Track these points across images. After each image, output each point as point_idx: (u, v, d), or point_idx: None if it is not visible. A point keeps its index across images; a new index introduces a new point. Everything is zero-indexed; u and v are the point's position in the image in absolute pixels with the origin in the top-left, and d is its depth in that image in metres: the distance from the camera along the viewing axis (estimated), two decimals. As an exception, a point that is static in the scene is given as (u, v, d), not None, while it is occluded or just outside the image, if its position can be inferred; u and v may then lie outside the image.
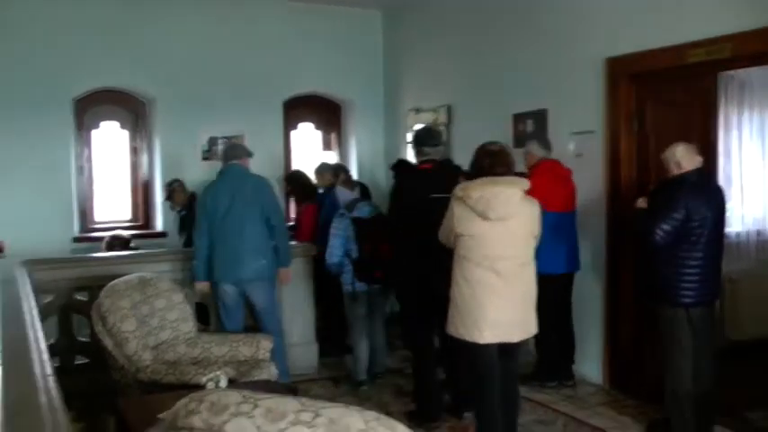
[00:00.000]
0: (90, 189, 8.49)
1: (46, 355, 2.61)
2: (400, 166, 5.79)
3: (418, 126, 8.71)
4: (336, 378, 6.86)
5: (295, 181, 8.28)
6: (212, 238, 6.02)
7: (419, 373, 5.71)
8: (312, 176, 8.19)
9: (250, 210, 5.96)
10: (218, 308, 6.22)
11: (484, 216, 4.39)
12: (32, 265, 5.61)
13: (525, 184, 4.54)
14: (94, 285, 5.82)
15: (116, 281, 5.23)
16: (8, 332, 2.92)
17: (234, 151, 6.33)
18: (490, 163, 4.55)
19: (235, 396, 2.37)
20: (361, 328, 6.58)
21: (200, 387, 3.99)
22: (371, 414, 2.34)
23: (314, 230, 7.60)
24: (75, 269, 6.20)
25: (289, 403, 2.37)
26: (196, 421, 2.31)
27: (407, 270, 5.51)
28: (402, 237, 5.55)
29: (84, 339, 6.18)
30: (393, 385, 6.62)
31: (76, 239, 8.08)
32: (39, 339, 2.82)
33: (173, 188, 8.03)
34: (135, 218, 8.67)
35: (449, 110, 8.41)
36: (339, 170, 7.83)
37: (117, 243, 7.59)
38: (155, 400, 4.16)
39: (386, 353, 6.92)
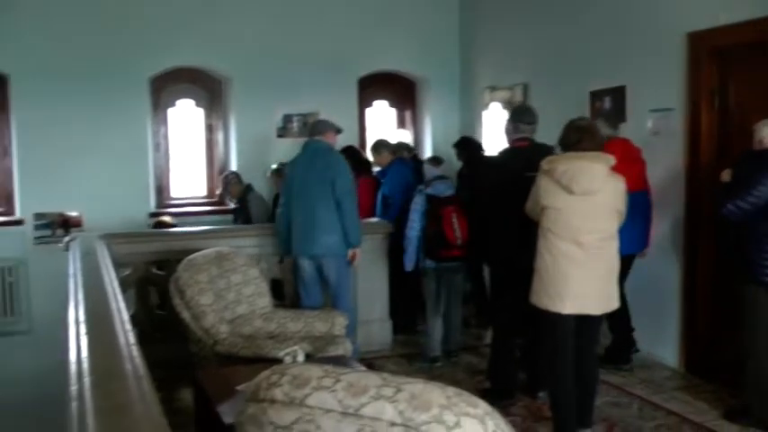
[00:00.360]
0: (166, 166, 8.63)
1: (128, 325, 2.64)
2: (464, 144, 5.77)
3: (495, 104, 8.63)
4: (410, 355, 6.85)
5: (349, 156, 8.26)
6: (290, 213, 6.06)
7: (497, 351, 5.66)
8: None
9: (322, 187, 5.93)
10: (297, 283, 6.25)
11: (568, 190, 4.44)
12: (111, 238, 5.70)
13: (611, 160, 4.55)
14: (171, 259, 5.91)
15: (194, 255, 5.30)
16: (91, 303, 2.96)
17: (316, 127, 6.29)
18: (578, 138, 4.59)
19: (316, 370, 2.36)
20: (432, 305, 6.56)
21: (277, 361, 4.00)
22: (453, 390, 2.31)
23: (371, 206, 7.57)
24: (153, 243, 6.29)
25: (370, 378, 2.35)
26: (278, 394, 2.31)
27: (496, 247, 5.48)
28: (492, 214, 5.51)
29: (160, 312, 6.28)
30: (466, 363, 6.58)
31: (153, 215, 8.20)
32: (121, 310, 2.85)
33: (228, 180, 8.11)
34: (210, 194, 8.77)
35: (525, 88, 8.27)
36: (399, 148, 7.79)
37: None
38: (232, 372, 4.21)
39: (460, 331, 6.88)
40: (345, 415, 2.30)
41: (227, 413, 3.48)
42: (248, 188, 7.93)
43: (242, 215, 7.80)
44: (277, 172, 7.89)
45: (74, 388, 1.89)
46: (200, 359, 4.98)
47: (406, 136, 9.51)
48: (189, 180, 8.79)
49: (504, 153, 5.64)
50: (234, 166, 8.57)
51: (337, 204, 5.94)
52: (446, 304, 6.61)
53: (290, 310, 5.89)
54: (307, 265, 6.07)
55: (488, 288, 6.28)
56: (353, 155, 8.17)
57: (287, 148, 8.25)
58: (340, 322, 5.58)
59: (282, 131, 8.67)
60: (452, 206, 6.25)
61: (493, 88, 8.84)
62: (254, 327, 5.32)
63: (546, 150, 5.33)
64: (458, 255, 6.31)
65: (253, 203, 7.83)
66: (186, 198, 8.68)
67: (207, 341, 4.88)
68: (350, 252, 6.11)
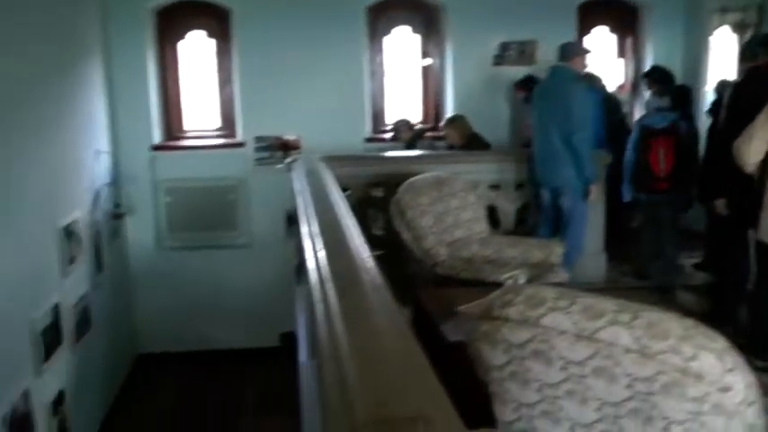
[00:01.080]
0: (382, 92, 8.71)
1: (360, 240, 2.68)
2: (657, 74, 5.52)
3: (724, 28, 8.10)
4: (622, 288, 6.65)
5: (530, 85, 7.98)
6: (533, 141, 6.05)
7: (720, 294, 5.37)
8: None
9: (558, 117, 5.76)
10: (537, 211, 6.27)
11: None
12: (330, 160, 5.84)
13: None
14: (389, 182, 5.99)
15: (414, 178, 5.36)
16: (325, 219, 3.03)
17: (562, 51, 6.01)
18: None
19: (552, 291, 2.32)
20: (644, 238, 6.51)
21: (496, 285, 3.98)
22: (690, 321, 2.22)
23: None
24: (371, 167, 6.40)
25: (606, 303, 2.29)
26: (512, 312, 2.28)
27: (733, 179, 5.14)
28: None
29: (378, 233, 6.39)
30: (678, 303, 6.31)
31: (368, 140, 8.35)
32: (352, 226, 2.90)
33: (397, 127, 8.09)
34: (425, 120, 8.79)
35: (760, 9, 7.63)
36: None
37: (402, 126, 7.98)
38: (452, 293, 4.24)
39: (674, 267, 6.61)
40: (580, 337, 2.25)
41: (450, 332, 3.51)
42: (420, 133, 8.01)
43: None
44: None
45: (317, 293, 1.93)
46: (419, 280, 5.05)
47: (623, 66, 9.11)
48: (404, 106, 8.83)
49: (746, 78, 5.25)
50: (449, 94, 8.53)
51: (570, 136, 5.73)
52: (658, 238, 6.46)
53: (505, 236, 5.87)
54: (545, 195, 6.04)
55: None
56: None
57: (503, 76, 8.13)
58: (557, 251, 5.50)
59: (499, 59, 8.50)
60: (662, 138, 6.06)
61: (723, 10, 8.23)
62: (471, 251, 5.33)
63: None
64: (664, 188, 6.16)
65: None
66: (402, 123, 8.73)
67: (426, 262, 4.95)
68: (587, 188, 5.89)
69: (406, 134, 8.09)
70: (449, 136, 7.52)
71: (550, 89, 5.90)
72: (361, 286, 2.02)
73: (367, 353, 1.50)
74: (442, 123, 7.83)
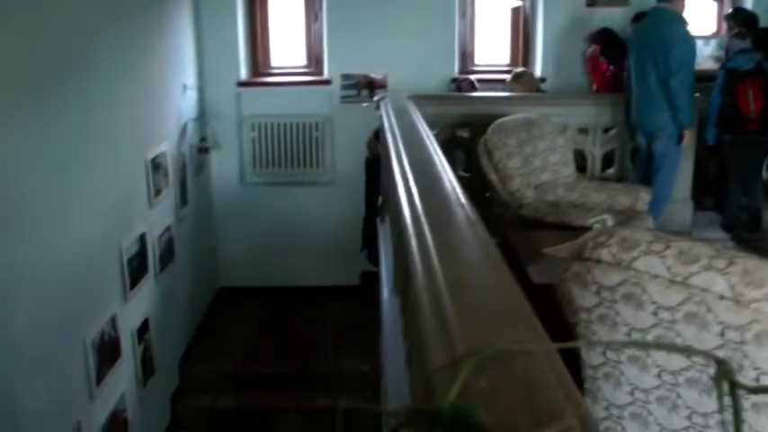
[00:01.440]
0: (471, 33, 8.58)
1: (452, 175, 2.67)
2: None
3: None
4: (712, 241, 6.50)
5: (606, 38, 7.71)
6: (631, 84, 5.95)
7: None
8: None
9: (658, 59, 5.63)
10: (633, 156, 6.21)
11: None
12: (418, 99, 5.80)
13: None
14: (476, 123, 5.94)
15: (503, 119, 5.31)
16: (414, 154, 3.02)
17: None
18: None
19: (646, 234, 2.28)
20: (730, 180, 6.45)
21: (581, 229, 3.95)
22: (788, 271, 2.16)
23: None
24: (459, 107, 6.36)
25: (702, 248, 2.24)
26: (604, 254, 2.26)
27: None
28: None
29: (464, 174, 6.37)
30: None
31: (455, 80, 8.25)
32: (443, 162, 2.89)
33: (460, 84, 7.91)
34: (513, 62, 8.66)
35: None
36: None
37: (465, 84, 7.85)
38: (537, 236, 4.22)
39: (762, 210, 6.48)
40: (673, 282, 2.22)
41: (535, 274, 3.49)
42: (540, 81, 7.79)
43: None
44: None
45: (411, 227, 1.93)
46: (503, 221, 5.03)
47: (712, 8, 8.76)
48: (493, 47, 8.70)
49: None
50: (539, 37, 8.34)
51: (668, 79, 5.62)
52: (747, 180, 6.39)
53: (592, 181, 5.79)
54: (641, 140, 5.96)
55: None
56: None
57: (596, 18, 7.91)
58: (643, 197, 5.42)
59: (593, 0, 8.28)
60: (749, 79, 6.00)
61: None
62: (556, 195, 5.28)
63: None
64: (754, 128, 6.10)
65: None
66: (487, 65, 8.62)
67: (512, 204, 4.93)
68: (682, 132, 5.80)
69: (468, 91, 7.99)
70: (515, 91, 7.36)
71: (651, 30, 5.77)
72: (456, 220, 2.02)
73: (463, 285, 1.50)
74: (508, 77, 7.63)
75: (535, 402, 1.02)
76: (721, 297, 2.18)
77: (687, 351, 2.11)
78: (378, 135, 6.98)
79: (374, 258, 6.44)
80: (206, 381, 7.09)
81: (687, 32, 5.76)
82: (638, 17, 7.11)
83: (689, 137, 5.85)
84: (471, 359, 0.97)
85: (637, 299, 2.25)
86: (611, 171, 6.46)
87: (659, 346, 2.24)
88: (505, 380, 1.05)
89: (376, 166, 6.68)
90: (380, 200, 5.93)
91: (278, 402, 6.79)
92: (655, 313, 2.25)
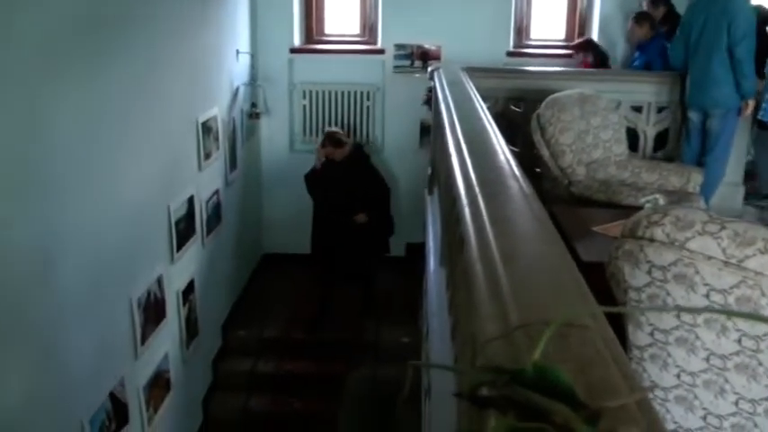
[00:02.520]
0: (528, 6, 8.47)
1: (505, 146, 2.64)
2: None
3: None
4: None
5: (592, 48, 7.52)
6: (687, 60, 5.85)
7: None
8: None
9: (716, 34, 5.57)
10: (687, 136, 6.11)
11: None
12: (472, 71, 5.76)
13: None
14: (529, 98, 5.89)
15: (558, 94, 5.25)
16: (469, 127, 2.99)
17: None
18: None
19: (701, 214, 2.24)
20: None
21: (633, 208, 3.89)
22: None
23: None
24: (514, 80, 6.29)
25: (759, 230, 2.20)
26: (658, 233, 2.22)
27: None
28: None
29: (513, 149, 6.32)
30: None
31: (510, 54, 8.16)
32: (497, 133, 2.86)
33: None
34: (569, 37, 8.53)
35: None
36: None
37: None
38: (587, 213, 4.18)
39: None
40: (727, 264, 2.18)
41: (584, 251, 3.46)
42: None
43: None
44: None
45: (465, 198, 1.92)
46: (552, 198, 4.99)
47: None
48: (549, 22, 8.58)
49: None
50: (596, 13, 8.21)
51: (730, 51, 5.57)
52: None
53: (644, 160, 5.72)
54: (694, 117, 5.87)
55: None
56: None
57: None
58: (695, 179, 5.34)
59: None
60: None
61: None
62: (607, 173, 5.22)
63: None
64: None
65: None
66: (545, 40, 8.51)
67: (562, 180, 4.88)
68: (743, 104, 5.77)
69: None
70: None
71: (708, 5, 5.64)
72: (510, 192, 2.00)
73: (517, 257, 1.49)
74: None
75: (589, 378, 1.01)
76: (776, 282, 2.15)
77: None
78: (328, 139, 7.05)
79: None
80: (248, 345, 7.17)
81: (747, 2, 5.78)
82: (645, 17, 7.01)
83: (750, 107, 5.82)
84: (550, 326, 0.96)
85: (689, 280, 2.22)
86: (664, 151, 6.37)
87: (739, 314, 2.20)
88: (560, 353, 1.03)
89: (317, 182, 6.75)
90: (429, 171, 5.92)
91: (318, 369, 6.85)
92: (707, 295, 2.22)
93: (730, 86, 5.65)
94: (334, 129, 7.47)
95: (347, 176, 6.97)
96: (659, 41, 6.75)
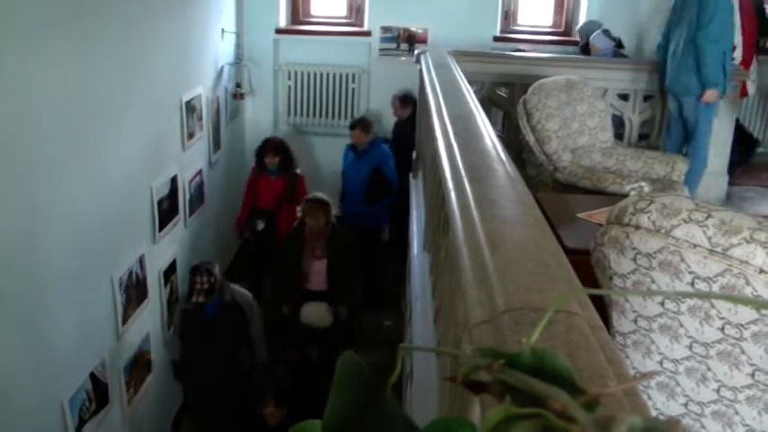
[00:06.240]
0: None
1: (492, 131, 2.63)
2: None
3: None
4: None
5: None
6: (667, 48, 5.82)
7: None
8: None
9: (689, 15, 5.51)
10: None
11: None
12: (459, 55, 5.73)
13: None
14: (516, 83, 5.87)
15: (544, 80, 5.23)
16: (455, 111, 2.98)
17: None
18: None
19: (687, 202, 2.23)
20: None
21: (618, 195, 3.89)
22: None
23: None
24: (500, 65, 6.26)
25: (744, 219, 2.19)
26: (644, 220, 2.21)
27: None
28: None
29: (500, 135, 6.31)
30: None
31: (497, 39, 8.14)
32: (483, 118, 2.85)
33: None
34: (556, 24, 8.51)
35: None
36: None
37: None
38: (571, 199, 4.17)
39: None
40: (713, 253, 2.17)
41: (567, 238, 3.45)
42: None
43: None
44: None
45: (451, 182, 1.91)
46: (537, 183, 4.99)
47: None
48: (537, 8, 8.56)
49: None
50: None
51: (696, 33, 5.47)
52: None
53: (629, 148, 5.71)
54: (671, 104, 5.84)
55: None
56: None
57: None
58: (680, 167, 5.32)
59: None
60: None
61: None
62: (593, 160, 5.21)
63: None
64: None
65: None
66: (532, 26, 8.50)
67: (547, 167, 4.87)
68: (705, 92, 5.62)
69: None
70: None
71: None
72: (496, 176, 1.99)
73: (503, 241, 1.47)
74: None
75: (576, 363, 1.00)
76: (761, 271, 2.14)
77: (756, 303, 2.08)
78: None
79: None
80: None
81: None
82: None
83: (709, 96, 5.62)
84: (547, 311, 0.95)
85: (674, 267, 2.21)
86: (648, 139, 6.37)
87: (727, 297, 2.20)
88: (548, 339, 1.02)
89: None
90: (414, 155, 5.90)
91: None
92: (691, 283, 2.21)
93: (698, 74, 5.57)
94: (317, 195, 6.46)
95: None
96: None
